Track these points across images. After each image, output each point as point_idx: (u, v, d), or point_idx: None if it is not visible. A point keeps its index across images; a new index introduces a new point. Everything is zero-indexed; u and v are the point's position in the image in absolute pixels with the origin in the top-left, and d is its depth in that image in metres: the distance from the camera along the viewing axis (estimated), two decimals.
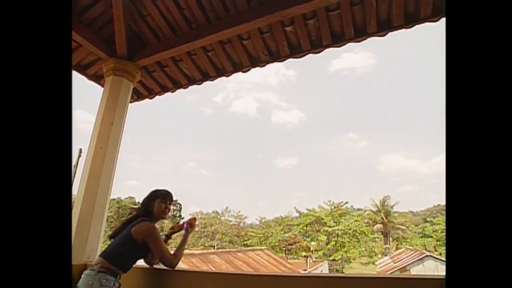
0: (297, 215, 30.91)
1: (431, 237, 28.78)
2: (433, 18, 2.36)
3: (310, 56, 2.84)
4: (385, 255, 27.37)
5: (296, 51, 2.84)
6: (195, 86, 3.40)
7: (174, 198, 2.05)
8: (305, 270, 18.72)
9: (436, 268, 15.66)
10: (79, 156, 13.52)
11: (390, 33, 2.55)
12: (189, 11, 2.74)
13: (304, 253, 26.49)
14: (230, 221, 35.03)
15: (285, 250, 28.89)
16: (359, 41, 2.66)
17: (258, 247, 17.09)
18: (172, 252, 1.83)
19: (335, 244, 26.92)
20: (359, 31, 2.61)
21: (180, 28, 2.89)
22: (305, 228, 28.97)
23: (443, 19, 2.31)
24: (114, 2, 2.62)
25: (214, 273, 2.17)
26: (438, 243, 27.77)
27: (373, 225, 32.66)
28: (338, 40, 2.69)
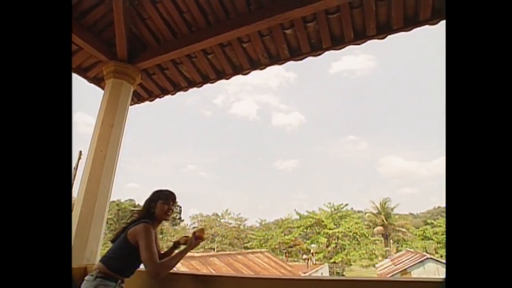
0: (297, 217, 30.89)
1: (432, 239, 28.68)
2: (432, 21, 2.37)
3: (310, 58, 2.85)
4: (386, 258, 27.31)
5: (296, 54, 2.85)
6: (195, 88, 3.41)
7: None
8: (305, 272, 18.64)
9: (437, 271, 15.60)
10: (79, 158, 13.52)
11: (389, 36, 2.56)
12: (189, 14, 2.76)
13: (304, 256, 26.40)
14: (230, 223, 35.02)
15: (285, 253, 28.81)
16: (358, 44, 2.67)
17: (258, 250, 17.03)
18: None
19: (336, 246, 26.87)
20: (359, 34, 2.62)
21: (180, 31, 2.90)
22: (305, 230, 28.93)
23: (442, 22, 2.33)
24: (115, 5, 2.63)
25: (216, 276, 2.15)
26: (438, 245, 27.66)
27: (374, 228, 32.63)
28: (337, 43, 2.70)
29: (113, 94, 2.86)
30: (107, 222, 2.76)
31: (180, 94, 3.54)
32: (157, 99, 3.66)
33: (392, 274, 17.10)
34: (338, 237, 26.99)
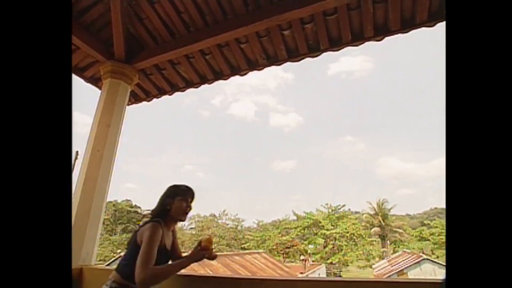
0: (295, 218, 30.92)
1: (428, 240, 28.82)
2: (429, 23, 2.39)
3: (308, 59, 2.85)
4: (383, 258, 27.41)
5: (294, 55, 2.86)
6: (193, 89, 3.40)
7: None
8: (302, 273, 18.64)
9: (433, 271, 15.68)
10: (76, 158, 13.40)
11: (387, 38, 2.57)
12: (187, 14, 2.75)
13: (301, 256, 26.41)
14: (228, 224, 34.95)
15: (283, 254, 28.80)
16: (356, 45, 2.68)
17: (256, 251, 17.01)
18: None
19: (333, 247, 26.91)
20: (356, 36, 2.63)
21: (178, 31, 2.89)
22: (302, 231, 28.94)
23: (440, 24, 2.35)
24: (112, 5, 2.62)
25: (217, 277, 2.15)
26: (435, 246, 27.80)
27: (371, 228, 32.73)
28: (335, 44, 2.71)
29: (110, 94, 2.85)
30: (103, 223, 2.74)
31: (177, 94, 3.53)
32: (155, 99, 3.65)
33: (389, 274, 17.17)
34: (335, 238, 27.04)
